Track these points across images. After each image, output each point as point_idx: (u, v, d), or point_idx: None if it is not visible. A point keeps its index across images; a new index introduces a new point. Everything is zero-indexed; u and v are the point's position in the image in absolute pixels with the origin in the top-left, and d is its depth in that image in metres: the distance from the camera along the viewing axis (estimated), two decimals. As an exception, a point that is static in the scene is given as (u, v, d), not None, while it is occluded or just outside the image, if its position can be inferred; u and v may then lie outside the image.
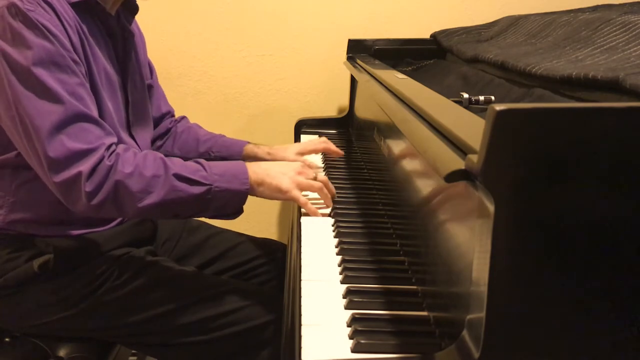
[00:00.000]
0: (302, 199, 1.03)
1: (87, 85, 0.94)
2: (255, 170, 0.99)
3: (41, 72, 0.87)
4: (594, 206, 0.48)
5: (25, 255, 0.99)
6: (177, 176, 0.92)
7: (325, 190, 1.07)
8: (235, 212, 0.99)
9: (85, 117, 0.90)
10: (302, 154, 1.34)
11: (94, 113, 0.92)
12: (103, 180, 0.89)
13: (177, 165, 0.94)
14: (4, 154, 0.97)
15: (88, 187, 0.88)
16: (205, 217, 1.01)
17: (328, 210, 1.07)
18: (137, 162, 0.92)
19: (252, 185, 0.98)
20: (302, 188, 1.03)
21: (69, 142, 0.88)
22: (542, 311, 0.51)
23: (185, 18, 1.78)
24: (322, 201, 1.08)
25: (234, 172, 0.97)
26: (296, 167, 1.05)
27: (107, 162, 0.89)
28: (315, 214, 1.05)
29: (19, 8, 0.87)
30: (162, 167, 0.92)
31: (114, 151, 0.92)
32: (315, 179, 1.06)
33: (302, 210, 1.06)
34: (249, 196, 0.98)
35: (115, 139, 0.95)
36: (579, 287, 0.50)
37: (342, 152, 1.37)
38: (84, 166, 0.87)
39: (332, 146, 1.36)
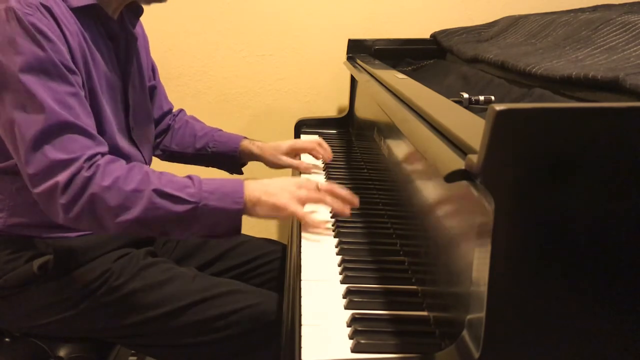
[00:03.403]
0: (301, 212, 0.93)
1: (82, 94, 0.92)
2: (252, 189, 0.92)
3: (28, 79, 0.85)
4: (594, 206, 0.48)
5: (25, 256, 0.99)
6: (157, 192, 0.87)
7: (330, 199, 0.96)
8: (228, 232, 0.92)
9: (71, 127, 0.87)
10: (292, 151, 1.34)
11: (83, 123, 0.89)
12: (79, 193, 0.85)
13: (164, 180, 0.89)
14: (5, 160, 0.97)
15: (63, 199, 0.85)
16: (196, 236, 0.93)
17: (331, 230, 0.98)
18: (119, 174, 0.87)
19: (247, 205, 0.91)
20: (303, 202, 0.94)
21: (51, 152, 0.85)
22: (542, 311, 0.51)
23: (185, 18, 1.78)
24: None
25: (227, 191, 0.90)
26: (297, 181, 0.97)
27: (84, 174, 0.86)
28: (316, 226, 0.96)
29: (15, 12, 0.86)
30: (145, 182, 0.88)
31: (95, 162, 0.88)
32: (317, 189, 0.97)
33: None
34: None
35: (105, 149, 0.92)
36: (579, 287, 0.50)
37: (331, 156, 1.35)
38: (61, 177, 0.85)
39: (321, 149, 1.33)
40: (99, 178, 0.86)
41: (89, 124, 0.91)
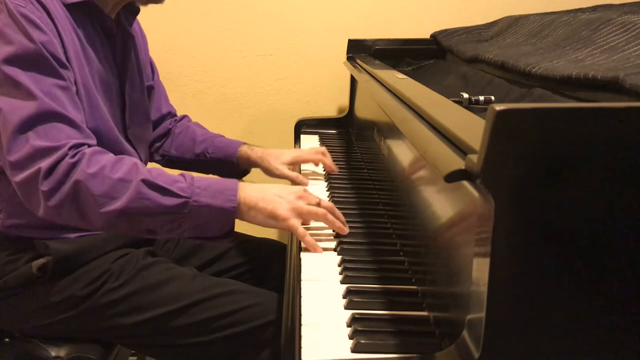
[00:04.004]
0: (301, 230, 0.90)
1: (73, 89, 0.91)
2: (248, 192, 0.90)
3: (14, 70, 0.85)
4: (594, 206, 0.48)
5: (25, 258, 0.99)
6: (146, 182, 0.84)
7: (331, 217, 0.93)
8: (219, 234, 0.89)
9: (57, 116, 0.86)
10: (295, 162, 1.29)
11: (70, 114, 0.88)
12: (62, 179, 0.83)
13: (154, 173, 0.86)
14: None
15: (45, 186, 0.83)
16: (186, 237, 0.90)
17: (333, 244, 0.92)
18: (106, 163, 0.85)
19: (241, 207, 0.89)
20: (302, 216, 0.91)
21: (34, 139, 0.84)
22: (542, 311, 0.51)
23: (185, 18, 1.78)
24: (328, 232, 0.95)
25: (220, 188, 0.87)
26: (296, 191, 0.94)
27: (69, 160, 0.83)
28: (315, 250, 0.90)
29: (7, 4, 0.87)
30: (133, 172, 0.85)
31: (81, 150, 0.86)
32: (318, 204, 0.93)
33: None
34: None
35: (93, 142, 0.90)
36: (579, 287, 0.50)
37: (337, 170, 1.28)
38: (44, 163, 0.83)
39: (328, 160, 1.28)
40: (84, 165, 0.84)
41: (77, 116, 0.90)
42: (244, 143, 1.31)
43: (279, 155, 1.27)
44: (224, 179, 0.91)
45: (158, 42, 1.75)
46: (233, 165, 1.31)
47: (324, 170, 1.32)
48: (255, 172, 1.37)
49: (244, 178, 1.36)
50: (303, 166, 1.35)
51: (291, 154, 1.29)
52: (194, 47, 1.81)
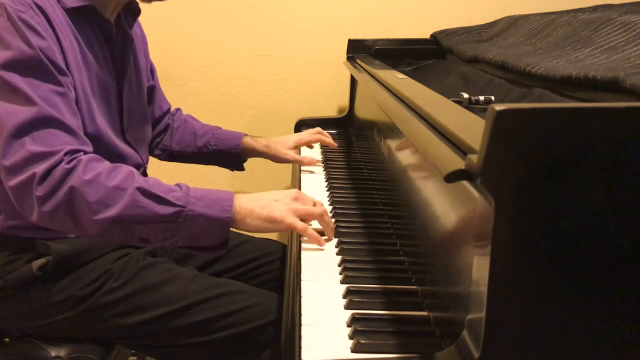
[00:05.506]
0: (301, 225, 0.91)
1: (72, 95, 0.91)
2: (242, 201, 0.90)
3: (12, 75, 0.85)
4: (594, 206, 0.48)
5: (25, 258, 0.99)
6: (141, 191, 0.84)
7: (327, 218, 0.96)
8: (214, 245, 0.89)
9: (53, 122, 0.86)
10: (298, 146, 1.41)
11: (67, 120, 0.88)
12: (57, 185, 0.83)
13: (150, 181, 0.87)
14: None
15: (40, 191, 0.83)
16: (180, 247, 0.89)
17: (333, 244, 0.95)
18: (102, 171, 0.85)
19: (237, 216, 0.89)
20: (300, 216, 0.92)
21: (30, 144, 0.84)
22: (542, 311, 0.51)
23: (185, 18, 1.78)
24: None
25: (215, 198, 0.88)
26: (291, 193, 0.95)
27: (64, 166, 0.83)
28: (318, 242, 0.93)
29: (6, 8, 0.86)
30: (129, 180, 0.85)
31: (77, 157, 0.86)
32: (314, 206, 0.96)
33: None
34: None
35: (89, 149, 0.90)
36: (579, 287, 0.50)
37: (335, 144, 1.45)
38: (39, 168, 0.83)
39: (325, 137, 1.44)
40: (80, 171, 0.84)
41: (74, 123, 0.90)
42: (245, 134, 1.37)
43: (284, 142, 1.38)
44: (219, 190, 0.91)
45: (158, 42, 1.75)
46: (236, 156, 1.35)
47: (321, 155, 1.48)
48: (256, 162, 1.42)
49: (244, 167, 1.42)
50: (303, 168, 1.39)
51: (294, 138, 1.41)
52: (194, 47, 1.81)
